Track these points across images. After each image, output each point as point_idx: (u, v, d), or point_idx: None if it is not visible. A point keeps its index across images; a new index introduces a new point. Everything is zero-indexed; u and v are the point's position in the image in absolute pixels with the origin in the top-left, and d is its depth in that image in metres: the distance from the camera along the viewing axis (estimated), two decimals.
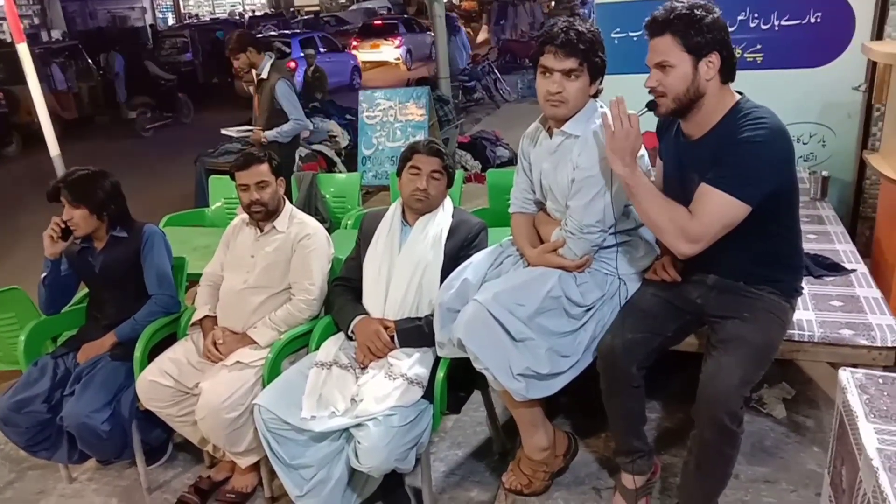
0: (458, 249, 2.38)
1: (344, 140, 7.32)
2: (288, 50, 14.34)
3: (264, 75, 4.44)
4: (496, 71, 12.57)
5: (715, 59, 1.88)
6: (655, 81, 1.93)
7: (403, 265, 2.38)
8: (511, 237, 2.36)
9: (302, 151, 6.58)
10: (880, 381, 1.55)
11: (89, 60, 13.32)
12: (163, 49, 16.61)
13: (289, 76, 4.59)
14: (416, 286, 2.36)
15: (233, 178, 2.54)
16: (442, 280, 2.29)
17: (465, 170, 7.00)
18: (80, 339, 2.65)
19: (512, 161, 7.45)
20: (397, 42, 18.31)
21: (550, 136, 2.18)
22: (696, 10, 1.86)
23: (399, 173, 2.46)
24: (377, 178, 6.58)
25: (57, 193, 2.54)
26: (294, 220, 2.58)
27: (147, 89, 12.57)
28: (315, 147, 6.75)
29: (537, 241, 2.26)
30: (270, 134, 4.45)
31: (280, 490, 2.48)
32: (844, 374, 1.53)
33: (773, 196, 1.88)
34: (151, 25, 23.93)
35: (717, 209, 1.86)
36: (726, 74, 1.92)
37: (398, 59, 18.14)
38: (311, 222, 2.61)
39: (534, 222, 2.30)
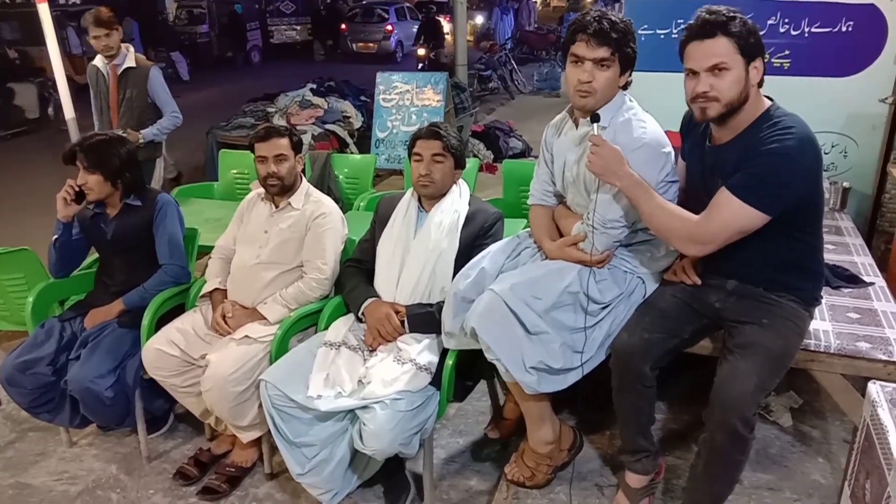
0: (474, 238, 2.36)
1: (357, 121, 7.26)
2: (386, 16, 16.69)
3: (131, 64, 3.76)
4: (513, 61, 12.49)
5: (760, 64, 1.85)
6: (708, 86, 1.85)
7: (418, 250, 2.36)
8: (528, 229, 2.34)
9: (315, 130, 6.54)
10: None
11: None
12: (179, 19, 16.51)
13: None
14: (429, 272, 2.34)
15: (251, 150, 2.52)
16: (455, 268, 2.27)
17: (478, 159, 6.95)
18: (87, 303, 2.63)
19: (524, 153, 7.40)
20: (447, 19, 18.60)
21: (577, 126, 2.14)
22: (739, 14, 1.83)
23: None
24: (390, 161, 6.54)
25: (73, 156, 2.52)
26: (310, 198, 2.56)
27: None
28: (328, 127, 6.71)
29: (556, 234, 2.23)
30: (148, 133, 3.78)
31: (280, 466, 2.48)
32: (874, 388, 1.50)
33: (797, 205, 1.85)
34: None
35: (732, 216, 1.84)
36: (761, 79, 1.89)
37: (447, 34, 18.48)
38: (327, 201, 2.59)
39: (553, 216, 2.28)
